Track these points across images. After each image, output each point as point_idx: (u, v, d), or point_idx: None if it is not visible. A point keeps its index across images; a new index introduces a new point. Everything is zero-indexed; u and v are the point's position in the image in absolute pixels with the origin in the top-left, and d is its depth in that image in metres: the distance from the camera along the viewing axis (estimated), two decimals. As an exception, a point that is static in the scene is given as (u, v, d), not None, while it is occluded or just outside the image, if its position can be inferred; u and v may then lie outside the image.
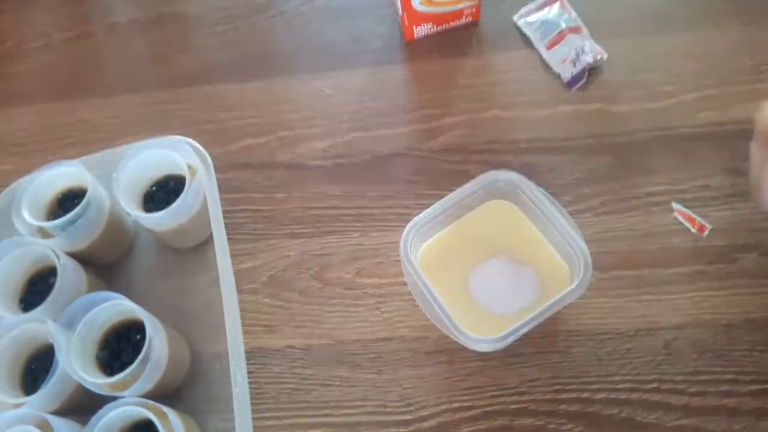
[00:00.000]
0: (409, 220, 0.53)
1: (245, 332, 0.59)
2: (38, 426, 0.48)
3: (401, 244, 0.51)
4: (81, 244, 0.59)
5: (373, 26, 0.74)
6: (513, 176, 0.53)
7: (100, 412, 0.48)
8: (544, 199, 0.52)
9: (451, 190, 0.53)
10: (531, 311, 0.48)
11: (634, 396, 0.53)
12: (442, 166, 0.65)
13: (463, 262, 0.55)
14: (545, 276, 0.53)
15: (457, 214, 0.55)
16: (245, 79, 0.73)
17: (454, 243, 0.55)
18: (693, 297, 0.56)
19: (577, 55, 0.66)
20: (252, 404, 0.56)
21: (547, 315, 0.48)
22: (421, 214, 0.53)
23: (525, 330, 0.48)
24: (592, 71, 0.67)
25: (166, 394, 0.55)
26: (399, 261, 0.60)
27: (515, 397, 0.53)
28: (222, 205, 0.61)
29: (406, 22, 0.70)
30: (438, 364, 0.56)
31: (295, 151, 0.68)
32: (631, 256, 0.58)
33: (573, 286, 0.48)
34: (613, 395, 0.53)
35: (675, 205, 0.59)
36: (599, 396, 0.53)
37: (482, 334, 0.48)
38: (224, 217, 0.60)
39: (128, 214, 0.59)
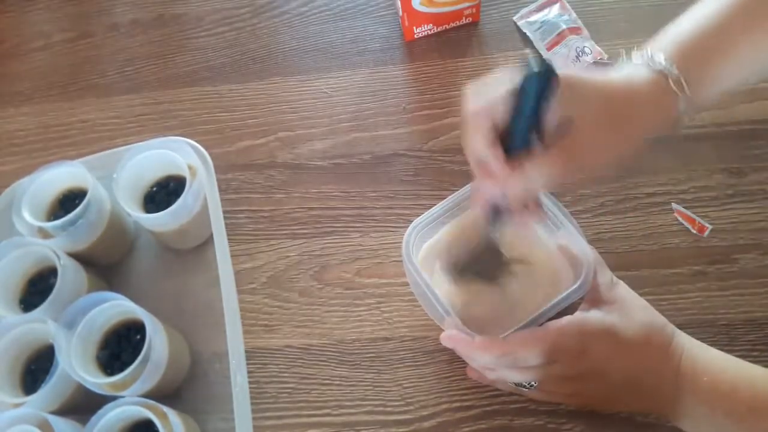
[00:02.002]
0: (409, 221, 0.53)
1: (245, 332, 0.59)
2: (38, 426, 0.48)
3: (403, 245, 0.51)
4: (81, 245, 0.59)
5: (373, 27, 0.75)
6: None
7: (100, 412, 0.48)
8: (546, 200, 0.52)
9: (452, 191, 0.53)
10: (534, 311, 0.48)
11: (634, 396, 0.53)
12: (443, 166, 0.65)
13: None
14: (547, 276, 0.53)
15: (458, 214, 0.55)
16: (245, 79, 0.73)
17: (451, 242, 0.55)
18: (693, 297, 0.56)
19: (578, 56, 0.66)
20: (252, 404, 0.56)
21: (550, 315, 0.48)
22: (422, 216, 0.53)
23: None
24: (592, 71, 0.67)
25: (166, 394, 0.55)
26: (399, 261, 0.60)
27: (515, 397, 0.53)
28: (222, 206, 0.61)
29: (407, 23, 0.70)
30: (438, 363, 0.56)
31: (295, 152, 0.68)
32: (631, 256, 0.58)
33: (575, 286, 0.48)
34: (613, 395, 0.53)
35: (675, 206, 0.59)
36: (599, 396, 0.53)
37: (484, 334, 0.48)
38: (224, 218, 0.61)
39: (129, 215, 0.60)
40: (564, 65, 0.43)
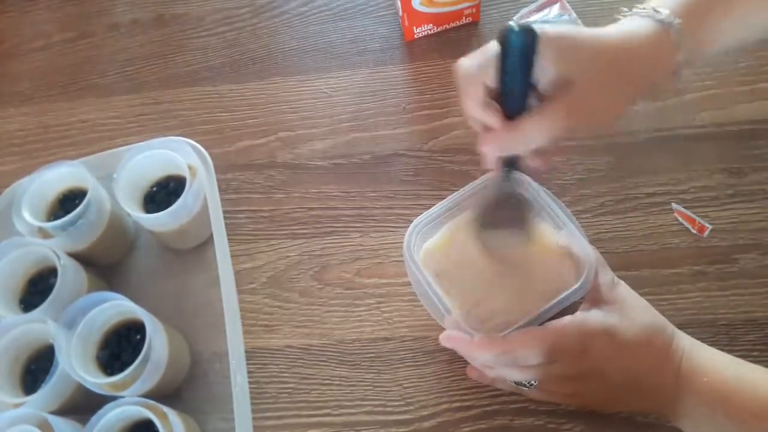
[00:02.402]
0: (409, 221, 0.53)
1: (245, 332, 0.59)
2: (38, 426, 0.48)
3: (405, 243, 0.51)
4: (81, 245, 0.59)
5: (373, 27, 0.75)
6: (517, 176, 0.53)
7: (100, 411, 0.48)
8: (548, 199, 0.52)
9: (452, 191, 0.53)
10: (534, 310, 0.48)
11: (634, 396, 0.53)
12: (442, 166, 0.65)
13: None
14: (549, 275, 0.53)
15: (458, 213, 0.55)
16: (245, 79, 0.73)
17: (456, 241, 0.55)
18: (693, 297, 0.56)
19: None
20: (252, 404, 0.56)
21: (550, 314, 0.48)
22: (423, 214, 0.53)
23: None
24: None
25: (166, 394, 0.55)
26: (399, 261, 0.60)
27: (515, 397, 0.53)
28: (222, 206, 0.61)
29: (407, 23, 0.70)
30: (438, 363, 0.56)
31: (295, 152, 0.68)
32: (631, 256, 0.58)
33: (576, 286, 0.48)
34: (613, 395, 0.53)
35: (675, 206, 0.60)
36: (599, 396, 0.53)
37: (486, 333, 0.48)
38: (224, 218, 0.61)
39: (129, 215, 0.60)
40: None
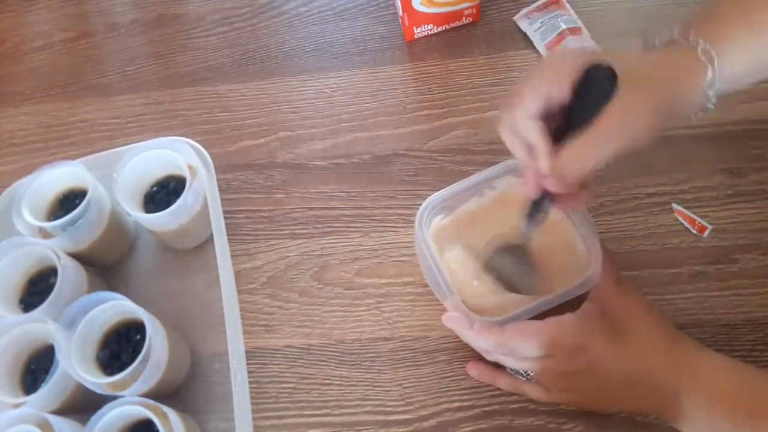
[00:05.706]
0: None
1: (245, 332, 0.59)
2: (38, 425, 0.48)
3: (417, 218, 0.52)
4: (82, 245, 0.59)
5: (373, 26, 0.75)
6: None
7: (100, 411, 0.48)
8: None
9: (451, 191, 0.53)
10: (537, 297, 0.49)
11: (634, 396, 0.53)
12: (443, 166, 0.65)
13: (476, 242, 0.55)
14: (557, 266, 0.53)
15: (468, 198, 0.55)
16: (245, 79, 0.73)
17: (466, 222, 0.55)
18: (693, 297, 0.56)
19: (577, 56, 0.66)
20: (252, 404, 0.56)
21: (551, 306, 0.49)
22: (439, 192, 0.52)
23: (526, 316, 0.49)
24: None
25: (166, 393, 0.55)
26: (399, 261, 0.60)
27: (515, 397, 0.53)
28: (222, 206, 0.61)
29: (407, 23, 0.70)
30: (438, 363, 0.56)
31: (295, 152, 0.68)
32: (631, 256, 0.58)
33: (581, 281, 0.49)
34: (613, 395, 0.53)
35: (675, 206, 0.60)
36: (599, 396, 0.53)
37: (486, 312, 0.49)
38: (224, 218, 0.61)
39: (129, 215, 0.60)
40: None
